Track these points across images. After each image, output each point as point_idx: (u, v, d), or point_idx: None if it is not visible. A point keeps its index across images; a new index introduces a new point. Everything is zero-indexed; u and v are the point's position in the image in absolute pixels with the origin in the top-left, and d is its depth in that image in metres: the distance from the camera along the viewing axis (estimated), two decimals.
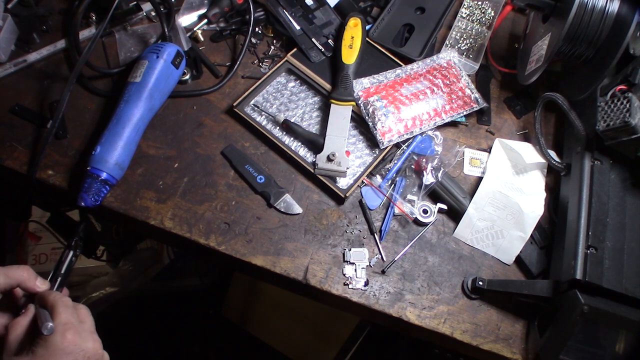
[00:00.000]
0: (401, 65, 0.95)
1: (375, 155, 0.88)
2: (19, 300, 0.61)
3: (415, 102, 0.90)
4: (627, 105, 0.72)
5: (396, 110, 0.88)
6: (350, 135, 0.89)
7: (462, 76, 0.94)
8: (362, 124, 0.89)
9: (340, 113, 0.88)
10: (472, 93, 0.93)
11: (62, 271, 0.64)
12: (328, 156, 0.84)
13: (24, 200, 1.27)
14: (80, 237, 0.68)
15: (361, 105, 0.89)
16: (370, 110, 0.87)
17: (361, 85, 0.90)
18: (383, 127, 0.86)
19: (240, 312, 1.64)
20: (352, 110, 0.89)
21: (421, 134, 0.89)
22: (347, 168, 0.84)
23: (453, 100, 0.91)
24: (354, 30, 0.93)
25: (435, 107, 0.90)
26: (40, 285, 0.60)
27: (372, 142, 0.89)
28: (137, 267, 1.54)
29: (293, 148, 0.87)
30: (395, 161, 0.87)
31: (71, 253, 0.66)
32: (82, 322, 0.57)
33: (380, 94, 0.89)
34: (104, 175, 0.77)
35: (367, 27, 0.98)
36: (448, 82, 0.93)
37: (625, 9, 0.79)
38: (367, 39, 0.96)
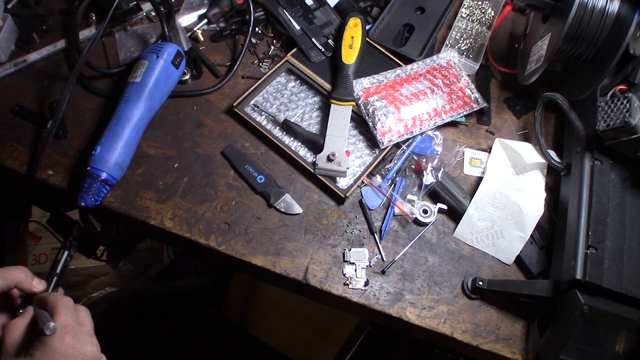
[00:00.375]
0: (401, 65, 0.95)
1: (375, 155, 0.88)
2: (16, 301, 0.61)
3: (415, 102, 0.90)
4: (627, 105, 0.72)
5: (396, 110, 0.88)
6: (350, 135, 0.89)
7: (462, 76, 0.94)
8: (362, 124, 0.89)
9: (340, 113, 0.88)
10: (472, 93, 0.93)
11: (58, 271, 0.64)
12: (328, 156, 0.84)
13: (24, 200, 1.27)
14: (74, 237, 0.68)
15: (361, 105, 0.89)
16: (370, 110, 0.87)
17: (361, 85, 0.90)
18: (383, 127, 0.86)
19: (240, 312, 1.64)
20: (352, 110, 0.89)
21: (421, 134, 0.89)
22: (347, 168, 0.84)
23: (453, 100, 0.91)
24: (354, 30, 0.93)
25: (435, 107, 0.90)
26: (37, 285, 0.60)
27: (372, 142, 0.89)
28: (137, 267, 1.54)
29: (293, 148, 0.87)
30: (395, 161, 0.87)
31: (66, 253, 0.66)
32: (81, 324, 0.57)
33: (380, 94, 0.89)
34: (104, 175, 0.77)
35: (367, 27, 0.98)
36: (448, 82, 0.93)
37: (625, 9, 0.79)
38: (367, 39, 0.96)
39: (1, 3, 0.89)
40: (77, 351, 0.54)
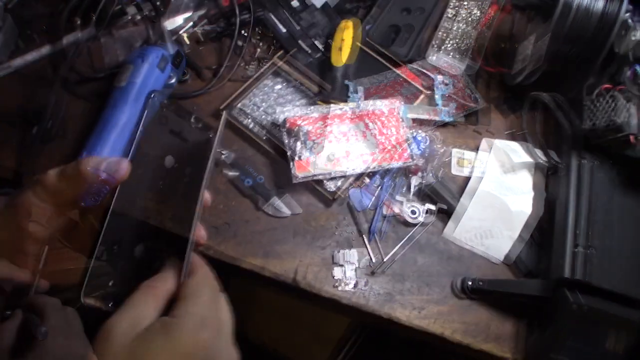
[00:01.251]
0: (391, 69, 0.94)
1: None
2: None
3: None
4: (613, 104, 0.72)
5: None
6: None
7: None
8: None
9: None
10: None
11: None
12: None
13: None
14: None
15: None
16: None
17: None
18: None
19: (239, 312, 1.64)
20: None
21: (412, 134, 0.89)
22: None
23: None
24: (343, 33, 0.93)
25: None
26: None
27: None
28: None
29: (279, 150, 0.87)
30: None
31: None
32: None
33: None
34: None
35: (357, 29, 0.98)
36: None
37: (610, 8, 0.79)
38: (356, 41, 0.95)
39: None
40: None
